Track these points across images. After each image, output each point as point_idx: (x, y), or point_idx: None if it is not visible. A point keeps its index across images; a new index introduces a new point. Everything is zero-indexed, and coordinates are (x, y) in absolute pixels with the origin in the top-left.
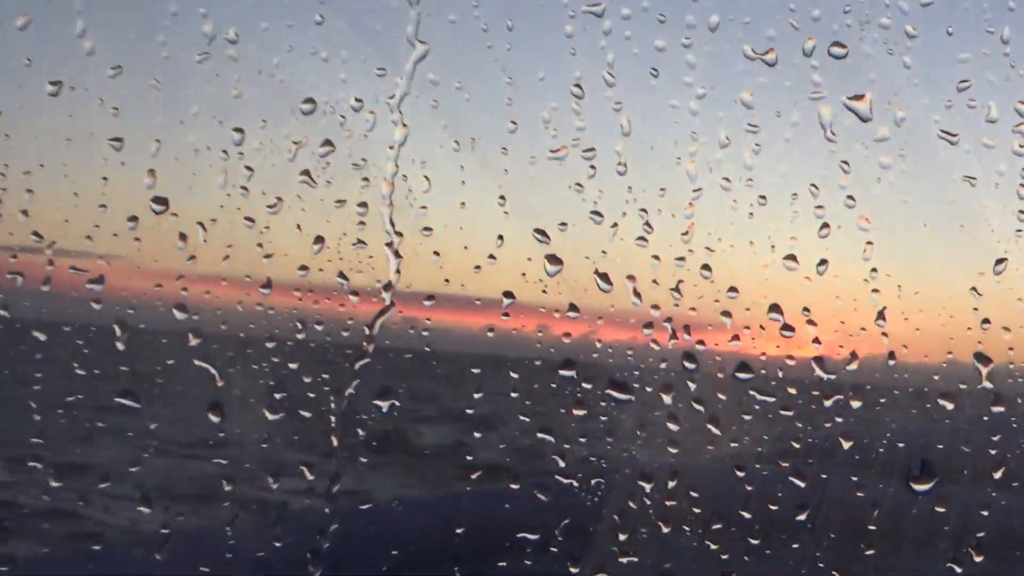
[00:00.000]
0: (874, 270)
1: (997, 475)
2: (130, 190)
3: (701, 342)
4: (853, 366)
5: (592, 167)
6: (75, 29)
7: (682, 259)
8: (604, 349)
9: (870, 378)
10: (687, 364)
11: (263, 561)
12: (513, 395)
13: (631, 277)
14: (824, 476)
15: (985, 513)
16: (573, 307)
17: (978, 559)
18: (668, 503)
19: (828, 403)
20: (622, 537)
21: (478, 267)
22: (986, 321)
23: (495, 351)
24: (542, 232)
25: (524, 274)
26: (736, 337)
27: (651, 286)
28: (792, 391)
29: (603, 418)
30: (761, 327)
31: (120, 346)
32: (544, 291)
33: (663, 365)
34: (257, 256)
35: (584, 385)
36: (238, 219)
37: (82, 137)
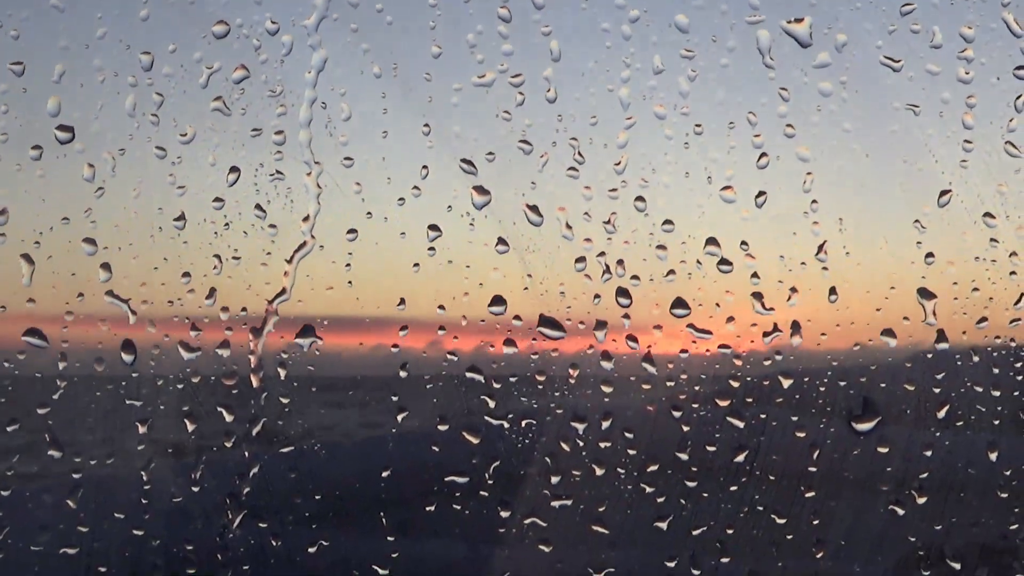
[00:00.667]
0: (814, 202)
1: (940, 414)
2: (33, 118)
3: (635, 277)
4: (793, 300)
5: (520, 94)
6: None
7: (615, 191)
8: (535, 284)
9: (811, 313)
10: (620, 300)
11: (180, 506)
12: (440, 331)
13: (562, 209)
14: (763, 416)
15: (928, 454)
16: (502, 241)
17: (920, 500)
18: (602, 445)
19: (766, 340)
20: (554, 480)
21: (402, 199)
22: (930, 255)
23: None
24: (469, 162)
25: (450, 207)
26: (671, 272)
27: (583, 219)
28: (730, 327)
29: (534, 356)
30: (698, 261)
31: (26, 281)
32: (471, 224)
33: (596, 302)
34: (170, 189)
35: (514, 323)
36: (149, 149)
37: None
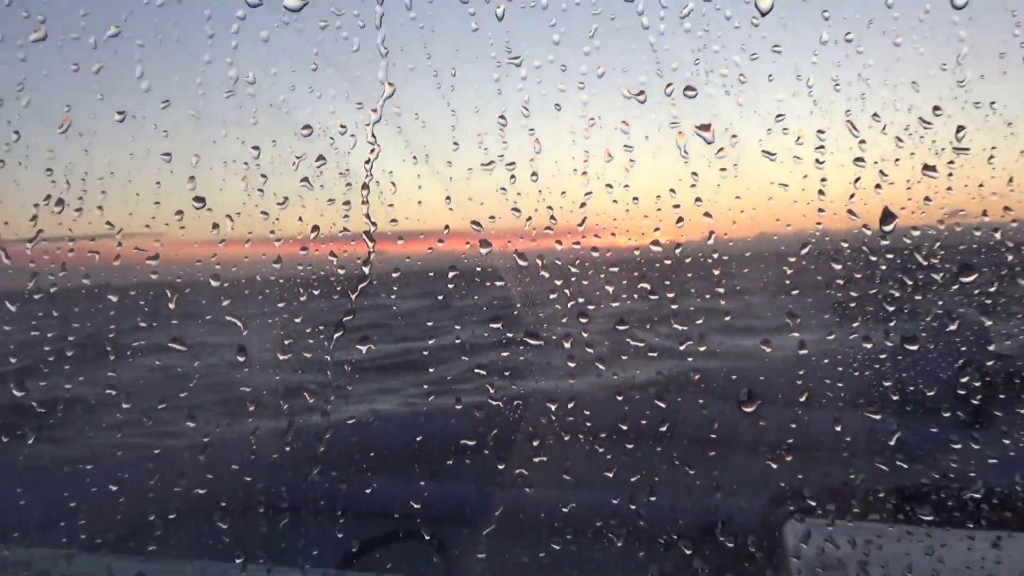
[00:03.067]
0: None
1: (802, 399)
2: (177, 191)
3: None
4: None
5: (512, 176)
6: (135, 73)
7: (578, 243)
8: (523, 303)
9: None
10: (581, 319)
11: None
12: (456, 341)
13: (540, 259)
14: (679, 400)
15: (793, 426)
16: (498, 275)
17: (788, 458)
18: (568, 419)
19: (682, 348)
20: (535, 444)
21: (431, 248)
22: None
23: (448, 304)
24: (477, 223)
25: (464, 256)
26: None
27: (555, 263)
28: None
29: (520, 359)
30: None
31: (171, 305)
32: (478, 268)
33: (564, 320)
34: (270, 240)
35: (507, 335)
36: (256, 213)
37: (141, 153)
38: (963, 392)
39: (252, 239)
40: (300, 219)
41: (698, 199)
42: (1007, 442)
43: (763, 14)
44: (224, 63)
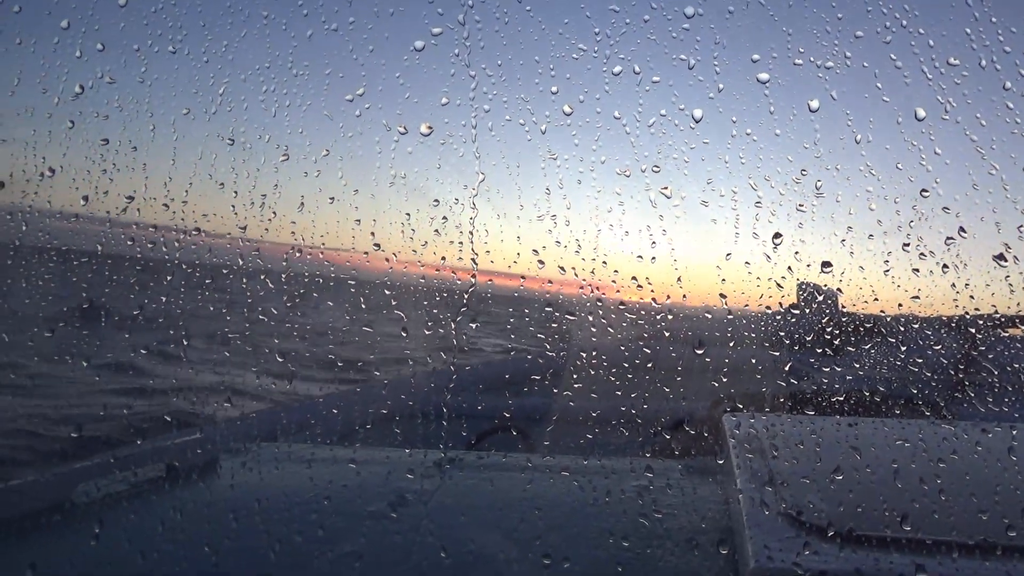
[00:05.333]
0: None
1: (731, 344)
2: (364, 235)
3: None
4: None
5: (549, 231)
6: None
7: (592, 271)
8: (564, 298)
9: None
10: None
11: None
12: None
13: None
14: (657, 347)
15: (727, 361)
16: (551, 281)
17: (724, 380)
18: (593, 362)
19: (658, 316)
20: (574, 376)
21: (523, 277)
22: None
23: (520, 303)
24: (536, 251)
25: (523, 277)
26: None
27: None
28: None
29: (563, 327)
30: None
31: (363, 304)
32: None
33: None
34: (416, 263)
35: (555, 312)
36: (408, 248)
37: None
38: (827, 337)
39: (408, 263)
40: (434, 253)
41: (667, 239)
42: (856, 366)
43: (697, 121)
44: (388, 168)
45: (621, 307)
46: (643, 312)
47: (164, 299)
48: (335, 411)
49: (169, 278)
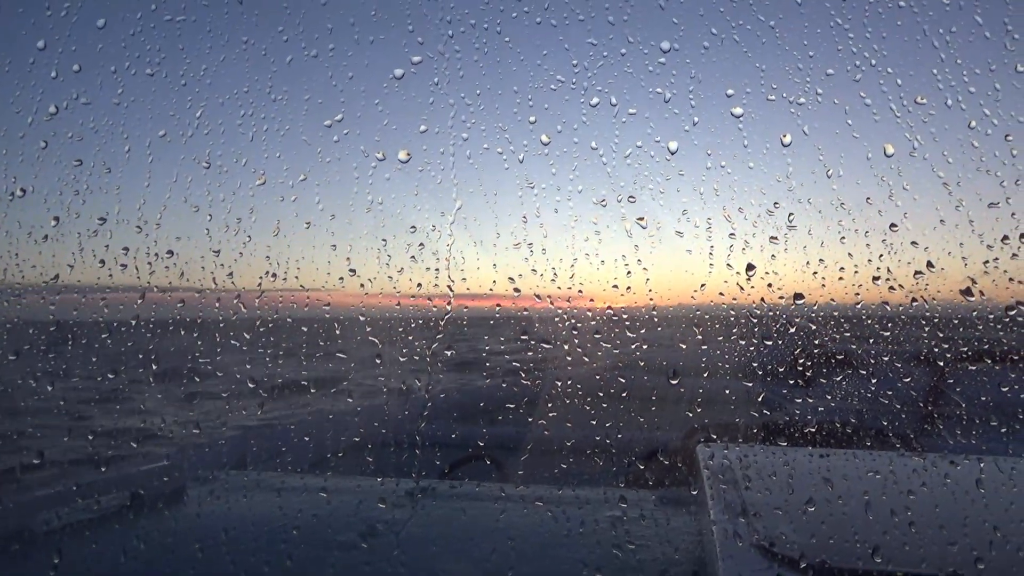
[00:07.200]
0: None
1: (705, 375)
2: (340, 264)
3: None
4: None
5: (531, 252)
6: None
7: (568, 299)
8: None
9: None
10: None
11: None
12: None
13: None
14: (632, 377)
15: (700, 391)
16: (526, 309)
17: (698, 410)
18: (568, 390)
19: (634, 347)
20: (548, 404)
21: (499, 304)
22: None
23: (496, 329)
24: (512, 278)
25: (499, 304)
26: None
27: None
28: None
29: (538, 356)
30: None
31: (337, 331)
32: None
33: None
34: (393, 294)
35: (530, 341)
36: (384, 276)
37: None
38: (799, 368)
39: (382, 293)
40: (410, 280)
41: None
42: (828, 397)
43: (672, 153)
44: (365, 194)
45: (596, 336)
46: (618, 341)
47: (134, 323)
48: (306, 438)
49: (140, 301)
